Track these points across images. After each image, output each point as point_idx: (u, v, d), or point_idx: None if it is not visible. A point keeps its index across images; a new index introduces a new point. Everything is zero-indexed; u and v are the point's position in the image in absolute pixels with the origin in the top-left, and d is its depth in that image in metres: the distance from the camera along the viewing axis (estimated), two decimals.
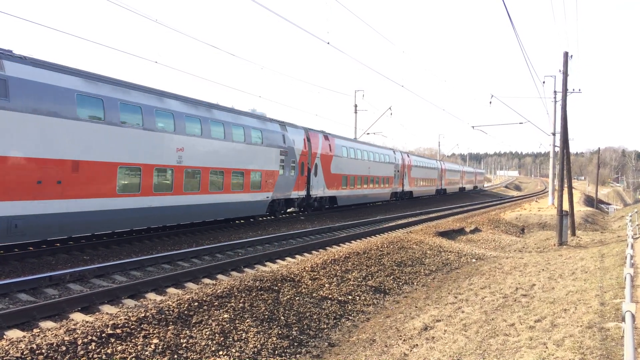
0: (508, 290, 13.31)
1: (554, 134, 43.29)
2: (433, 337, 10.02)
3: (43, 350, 7.17)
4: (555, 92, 42.89)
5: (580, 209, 45.91)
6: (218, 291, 10.78)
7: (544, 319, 9.88)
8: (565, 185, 26.57)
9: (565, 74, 25.83)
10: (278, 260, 15.63)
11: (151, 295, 10.89)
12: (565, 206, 25.37)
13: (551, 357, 7.49)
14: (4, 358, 6.80)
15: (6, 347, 7.11)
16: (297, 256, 16.50)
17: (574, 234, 26.85)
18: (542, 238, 27.75)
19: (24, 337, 7.66)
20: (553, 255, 19.57)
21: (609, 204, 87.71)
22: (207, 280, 12.51)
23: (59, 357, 7.17)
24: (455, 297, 13.36)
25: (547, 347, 7.99)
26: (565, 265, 16.41)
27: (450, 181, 70.28)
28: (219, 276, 13.07)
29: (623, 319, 6.60)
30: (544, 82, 45.76)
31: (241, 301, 10.65)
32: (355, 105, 48.16)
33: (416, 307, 12.93)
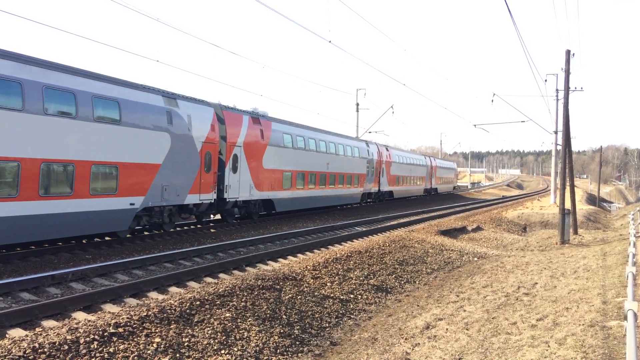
0: (510, 289, 13.30)
1: (556, 132, 43.22)
2: (435, 336, 10.01)
3: (45, 349, 7.18)
4: (557, 90, 42.86)
5: (583, 208, 45.83)
6: (220, 290, 10.79)
7: (546, 317, 9.87)
8: (568, 184, 26.53)
9: (567, 72, 25.79)
10: (280, 259, 15.65)
11: (153, 294, 10.91)
12: (568, 204, 25.33)
13: (553, 355, 7.49)
14: (7, 357, 6.82)
15: (9, 346, 7.13)
16: (298, 255, 16.51)
17: (576, 232, 26.81)
18: (544, 236, 27.72)
19: (27, 336, 7.67)
20: (555, 254, 19.55)
21: (611, 203, 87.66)
22: (209, 279, 12.53)
23: (61, 356, 7.18)
24: (457, 296, 13.36)
25: (549, 346, 7.99)
26: (567, 264, 16.39)
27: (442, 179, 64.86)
28: (221, 275, 13.09)
29: (625, 318, 6.58)
30: (545, 81, 45.66)
31: (243, 300, 10.65)
32: (357, 104, 48.14)
33: (418, 305, 12.93)
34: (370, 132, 50.42)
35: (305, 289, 12.47)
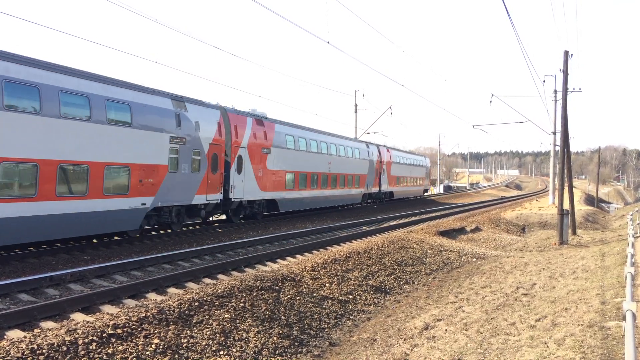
0: (509, 290, 13.30)
1: (554, 133, 43.26)
2: (434, 337, 10.01)
3: (44, 351, 7.17)
4: (555, 91, 42.89)
5: (581, 208, 45.90)
6: (219, 291, 10.78)
7: (544, 318, 9.88)
8: (566, 184, 26.55)
9: (566, 73, 25.82)
10: (279, 260, 15.63)
11: (152, 295, 10.89)
12: (566, 205, 25.36)
13: (552, 356, 7.49)
14: (5, 358, 6.81)
15: (7, 348, 7.12)
16: (297, 256, 16.50)
17: (574, 233, 26.84)
18: (542, 237, 27.74)
19: (25, 337, 7.66)
20: (554, 254, 19.56)
21: (610, 203, 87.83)
22: (207, 280, 12.51)
23: (59, 357, 7.17)
24: (456, 297, 13.36)
25: (547, 346, 7.99)
26: (566, 264, 16.40)
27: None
28: (220, 276, 13.07)
29: (624, 318, 6.60)
30: (544, 81, 45.79)
31: (242, 301, 10.65)
32: (356, 105, 48.16)
33: (417, 306, 12.93)
34: (368, 133, 50.47)
35: (304, 290, 12.46)
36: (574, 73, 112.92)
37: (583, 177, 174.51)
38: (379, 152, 41.52)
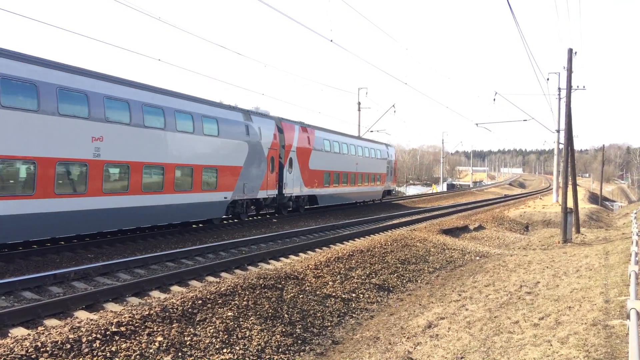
0: (512, 288, 13.28)
1: (558, 131, 43.15)
2: (437, 335, 10.01)
3: (48, 348, 7.19)
4: (559, 89, 42.77)
5: (585, 207, 45.75)
6: (222, 289, 10.80)
7: (548, 316, 9.86)
8: (570, 183, 26.48)
9: (570, 71, 25.72)
10: (282, 258, 15.65)
11: (155, 293, 10.92)
12: (570, 203, 25.29)
13: (555, 354, 7.47)
14: (9, 356, 6.83)
15: (11, 345, 7.14)
16: (300, 254, 16.51)
17: (578, 231, 26.76)
18: (546, 235, 27.68)
19: (29, 335, 7.68)
20: (557, 253, 19.51)
21: (614, 201, 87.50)
22: (210, 278, 12.53)
23: (63, 354, 7.19)
24: (459, 295, 13.34)
25: (551, 345, 7.97)
26: (569, 263, 16.36)
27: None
28: (223, 274, 13.09)
29: (628, 317, 6.58)
30: (548, 79, 45.64)
31: (245, 299, 10.66)
32: (359, 103, 48.14)
33: (420, 304, 12.92)
34: (372, 131, 50.44)
35: (307, 288, 12.47)
36: (578, 71, 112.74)
37: (587, 175, 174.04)
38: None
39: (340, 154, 33.42)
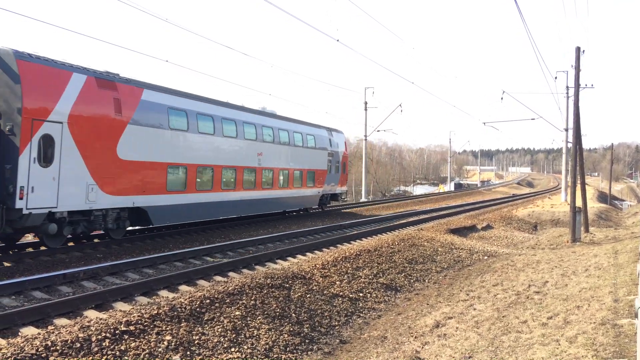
0: (520, 287, 13.24)
1: (566, 130, 42.92)
2: (445, 334, 10.00)
3: (58, 347, 7.25)
4: (567, 87, 42.52)
5: (594, 206, 45.47)
6: (229, 288, 10.84)
7: (556, 315, 9.82)
8: (578, 182, 26.34)
9: (578, 69, 25.58)
10: (289, 258, 15.68)
11: (164, 293, 10.98)
12: (579, 202, 25.15)
13: (564, 353, 7.45)
14: (20, 355, 6.89)
15: (21, 344, 7.21)
16: (307, 254, 16.53)
17: (587, 230, 26.61)
18: (555, 235, 27.55)
19: (39, 334, 7.76)
20: (566, 252, 19.42)
21: (623, 200, 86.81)
22: (218, 278, 12.58)
23: (73, 353, 7.25)
24: (467, 295, 13.32)
25: (559, 344, 7.95)
26: (578, 262, 16.28)
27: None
28: (231, 273, 13.14)
29: (636, 316, 6.55)
30: (555, 78, 45.50)
31: (252, 298, 10.69)
32: (365, 103, 48.02)
33: (428, 304, 12.90)
34: (378, 131, 50.32)
35: (315, 288, 12.49)
36: (586, 69, 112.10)
37: (596, 174, 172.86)
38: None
39: (218, 136, 20.91)
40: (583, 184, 27.59)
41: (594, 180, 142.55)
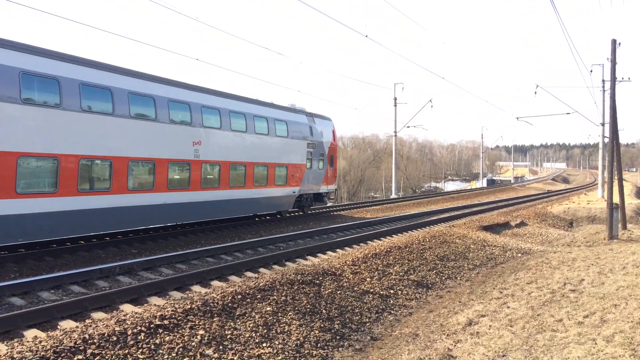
0: (556, 286, 12.97)
1: (602, 125, 41.77)
2: (478, 333, 9.87)
3: (95, 340, 7.44)
4: (603, 81, 41.36)
5: (632, 202, 44.13)
6: (260, 284, 10.93)
7: (593, 314, 9.59)
8: (616, 177, 25.61)
9: (614, 62, 24.84)
10: (319, 254, 15.71)
11: (196, 288, 11.15)
12: (616, 199, 24.46)
13: (600, 353, 7.28)
14: (58, 348, 7.09)
15: (60, 337, 7.42)
16: (337, 250, 16.54)
17: (625, 227, 25.86)
18: (591, 232, 26.86)
19: (77, 327, 7.98)
20: (603, 250, 18.92)
21: None
22: (249, 274, 12.70)
23: (109, 347, 7.43)
24: (501, 292, 13.11)
25: (596, 343, 7.76)
26: (615, 260, 15.85)
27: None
28: (262, 270, 13.25)
29: None
30: (591, 71, 44.06)
31: (283, 294, 10.76)
32: (395, 98, 47.70)
33: (460, 302, 12.76)
34: (408, 127, 49.90)
35: (345, 284, 12.49)
36: (623, 62, 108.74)
37: (633, 169, 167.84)
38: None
39: (123, 117, 15.40)
40: (620, 180, 26.81)
41: (632, 175, 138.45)
